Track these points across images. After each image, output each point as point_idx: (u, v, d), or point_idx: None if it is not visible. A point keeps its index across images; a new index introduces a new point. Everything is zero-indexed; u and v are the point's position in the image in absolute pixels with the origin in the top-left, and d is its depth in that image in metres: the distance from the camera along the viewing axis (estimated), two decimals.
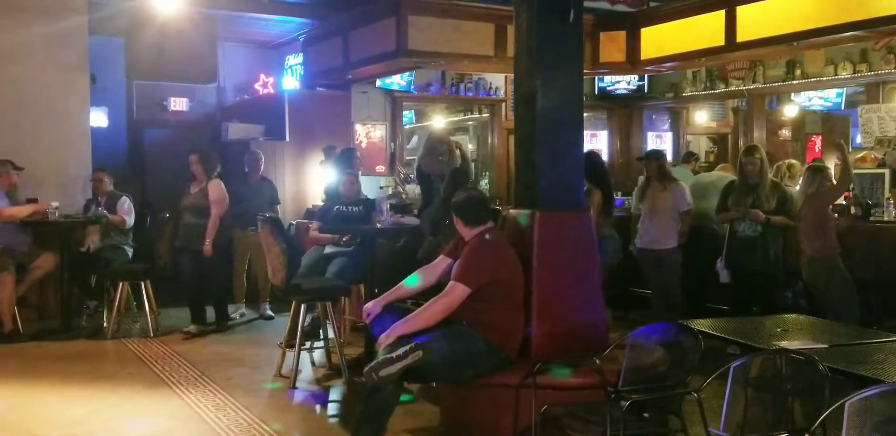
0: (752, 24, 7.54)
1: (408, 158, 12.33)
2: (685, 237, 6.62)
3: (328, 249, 6.57)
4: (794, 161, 7.36)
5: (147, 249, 7.73)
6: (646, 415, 3.65)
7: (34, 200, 7.40)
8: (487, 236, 4.21)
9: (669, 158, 8.72)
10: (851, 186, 6.38)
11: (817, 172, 6.04)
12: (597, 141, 11.88)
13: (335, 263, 6.29)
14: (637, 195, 6.90)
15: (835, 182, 6.07)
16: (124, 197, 7.70)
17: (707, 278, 6.70)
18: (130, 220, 7.64)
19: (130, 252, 7.66)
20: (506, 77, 10.73)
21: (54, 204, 7.20)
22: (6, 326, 6.88)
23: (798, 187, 6.43)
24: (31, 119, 7.97)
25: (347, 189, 6.94)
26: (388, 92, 10.51)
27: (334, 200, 7.05)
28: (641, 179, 6.87)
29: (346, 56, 9.27)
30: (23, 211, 7.11)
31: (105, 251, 7.48)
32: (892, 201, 6.52)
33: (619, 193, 9.91)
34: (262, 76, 11.20)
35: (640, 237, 6.74)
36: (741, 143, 10.24)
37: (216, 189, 7.14)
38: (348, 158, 7.85)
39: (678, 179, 6.81)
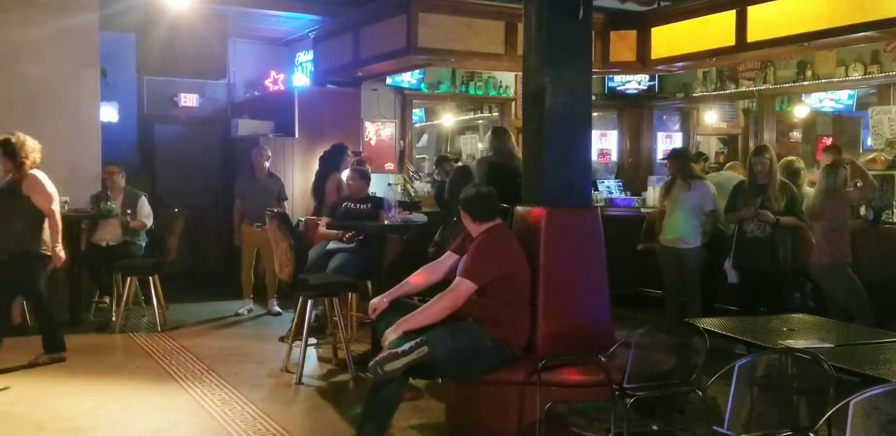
0: (764, 24, 7.51)
1: (417, 156, 12.35)
2: (709, 237, 6.59)
3: (331, 246, 6.59)
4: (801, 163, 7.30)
5: (156, 245, 7.77)
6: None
7: None
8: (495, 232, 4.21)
9: None
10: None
11: (836, 168, 5.99)
12: (607, 140, 11.86)
13: (335, 259, 6.32)
14: (661, 192, 6.86)
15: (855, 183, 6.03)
16: (143, 198, 7.76)
17: (715, 279, 6.68)
18: (150, 221, 7.71)
19: (143, 245, 7.72)
20: (516, 75, 10.72)
21: (63, 198, 7.21)
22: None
23: (818, 185, 6.36)
24: (42, 114, 7.99)
25: (357, 188, 6.93)
26: (399, 90, 10.52)
27: (317, 199, 7.05)
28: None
29: (357, 53, 9.28)
30: None
31: (123, 247, 7.54)
32: None
33: (629, 193, 9.94)
34: (273, 73, 11.22)
35: (662, 235, 6.71)
36: (751, 144, 10.20)
37: (35, 184, 5.74)
38: (338, 155, 7.84)
39: (704, 177, 6.75)
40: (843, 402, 2.51)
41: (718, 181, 7.18)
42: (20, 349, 6.37)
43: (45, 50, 8.05)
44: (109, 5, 8.65)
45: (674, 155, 6.96)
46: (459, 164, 9.03)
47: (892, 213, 6.58)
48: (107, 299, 7.77)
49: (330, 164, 7.77)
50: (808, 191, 6.63)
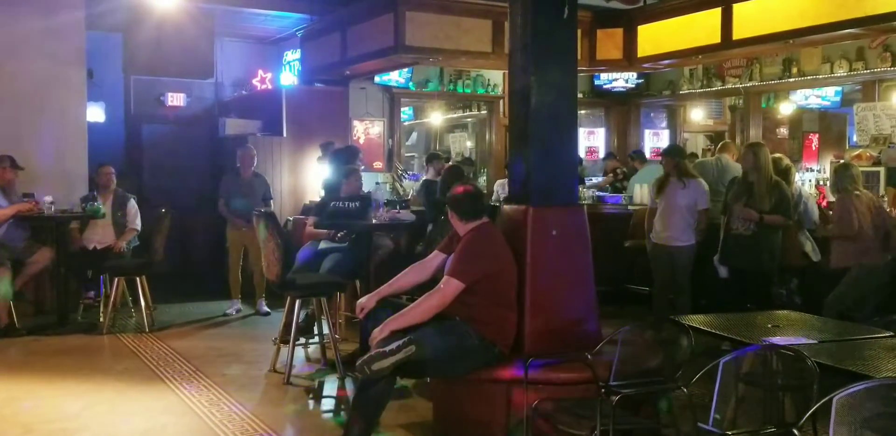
0: (749, 21, 7.54)
1: (406, 154, 12.36)
2: (703, 235, 6.58)
3: (323, 245, 6.56)
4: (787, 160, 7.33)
5: (143, 245, 7.75)
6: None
7: (30, 196, 7.40)
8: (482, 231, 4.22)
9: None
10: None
11: (848, 169, 6.00)
12: (594, 138, 11.92)
13: (330, 259, 6.29)
14: (654, 190, 6.84)
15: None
16: (133, 200, 7.74)
17: (703, 274, 6.69)
18: (139, 223, 7.70)
19: (131, 247, 7.71)
20: (504, 74, 10.73)
21: (48, 199, 7.19)
22: (2, 320, 6.89)
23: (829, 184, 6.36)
24: (28, 114, 7.96)
25: (352, 185, 6.90)
26: (387, 88, 10.52)
27: (331, 196, 7.03)
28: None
29: (344, 52, 9.28)
30: (6, 213, 7.04)
31: (110, 248, 7.54)
32: (886, 199, 6.53)
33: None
34: (260, 72, 11.20)
35: (655, 232, 6.71)
36: (738, 140, 10.27)
37: None
38: (352, 154, 7.80)
39: (698, 175, 6.75)
40: (826, 398, 2.52)
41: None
42: (8, 351, 6.38)
43: (31, 49, 8.01)
44: (95, 4, 8.61)
45: (668, 152, 6.92)
46: (450, 163, 9.06)
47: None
48: (92, 294, 7.74)
49: (345, 163, 7.67)
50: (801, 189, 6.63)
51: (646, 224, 6.85)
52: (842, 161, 6.52)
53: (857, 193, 5.80)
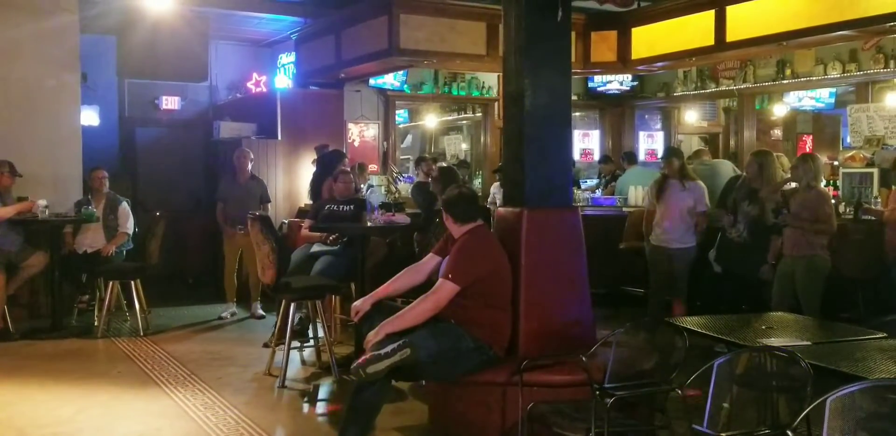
0: (742, 23, 7.57)
1: (402, 157, 12.36)
2: (701, 236, 6.58)
3: (315, 248, 6.57)
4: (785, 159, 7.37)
5: (138, 248, 7.74)
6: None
7: (24, 199, 7.38)
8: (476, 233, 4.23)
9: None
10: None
11: (805, 159, 6.02)
12: (589, 140, 11.94)
13: (320, 262, 6.29)
14: (653, 192, 6.83)
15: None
16: (125, 203, 7.73)
17: (696, 277, 6.69)
18: (131, 226, 7.69)
19: (124, 251, 7.69)
20: (498, 76, 10.75)
21: (42, 203, 7.17)
22: None
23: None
24: (22, 118, 7.94)
25: (344, 187, 6.90)
26: (381, 91, 10.53)
27: (318, 199, 7.03)
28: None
29: (339, 55, 9.28)
30: (8, 211, 7.06)
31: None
32: (880, 200, 6.55)
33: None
34: (255, 75, 11.19)
35: (654, 234, 6.69)
36: (732, 142, 10.31)
37: None
38: (334, 159, 7.79)
39: (697, 178, 6.76)
40: (820, 399, 2.53)
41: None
42: (2, 355, 6.36)
43: (24, 53, 7.99)
44: (89, 7, 8.59)
45: (671, 154, 6.87)
46: (443, 165, 9.07)
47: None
48: (86, 298, 7.73)
49: (329, 167, 7.69)
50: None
51: (644, 226, 6.84)
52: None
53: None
